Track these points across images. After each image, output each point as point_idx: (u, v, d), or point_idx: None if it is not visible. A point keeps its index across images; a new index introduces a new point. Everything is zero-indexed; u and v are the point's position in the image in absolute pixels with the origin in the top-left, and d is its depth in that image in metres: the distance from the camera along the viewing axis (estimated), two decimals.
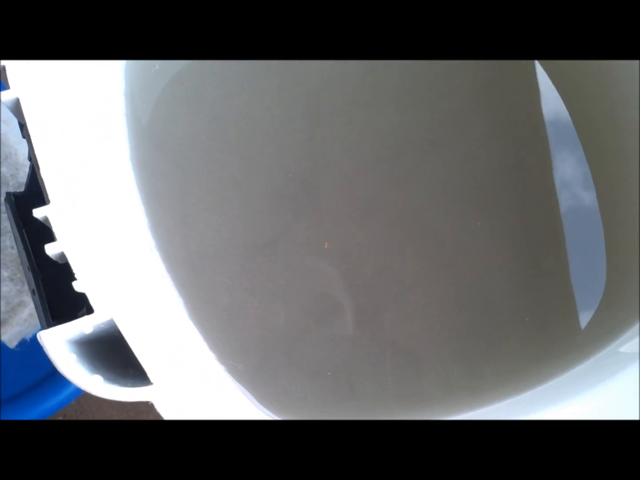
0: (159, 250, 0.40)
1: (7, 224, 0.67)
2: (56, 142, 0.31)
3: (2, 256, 0.66)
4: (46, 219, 0.27)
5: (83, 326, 0.26)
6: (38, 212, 0.27)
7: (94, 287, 0.26)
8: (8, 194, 0.44)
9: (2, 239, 0.67)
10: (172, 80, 0.41)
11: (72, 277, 0.27)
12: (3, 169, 0.68)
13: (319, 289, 0.41)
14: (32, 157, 0.31)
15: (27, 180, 0.46)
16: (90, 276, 0.27)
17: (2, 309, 0.66)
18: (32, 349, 0.68)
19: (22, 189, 0.46)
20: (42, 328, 0.43)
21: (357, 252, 0.41)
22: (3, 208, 0.43)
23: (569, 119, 0.46)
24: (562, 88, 0.46)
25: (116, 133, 0.39)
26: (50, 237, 0.28)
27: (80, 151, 0.34)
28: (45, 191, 0.27)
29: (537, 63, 0.46)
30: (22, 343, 0.68)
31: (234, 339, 0.39)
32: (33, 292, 0.44)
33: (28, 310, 0.67)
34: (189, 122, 0.40)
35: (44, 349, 0.26)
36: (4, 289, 0.66)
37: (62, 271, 0.29)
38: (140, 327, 0.29)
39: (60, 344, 0.26)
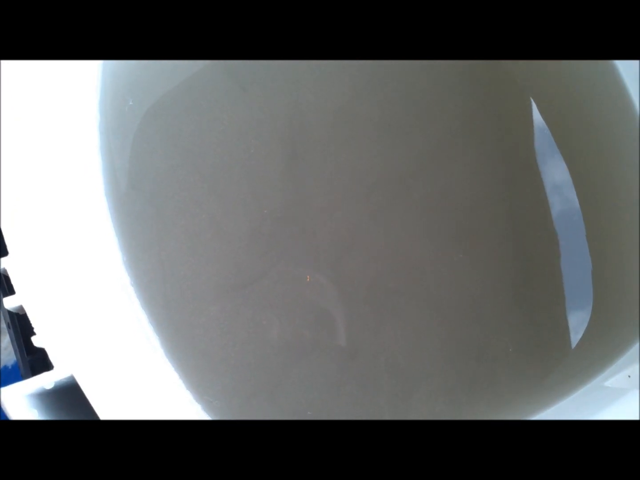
0: (135, 287, 0.40)
1: None
2: (21, 183, 0.30)
3: None
4: (5, 270, 0.26)
5: (43, 382, 0.26)
6: None
7: (54, 342, 0.25)
8: None
9: None
10: (147, 114, 0.40)
11: (31, 331, 0.26)
12: None
13: (300, 327, 0.40)
14: None
15: None
16: (51, 331, 0.26)
17: None
18: (13, 377, 0.67)
19: None
20: (17, 363, 0.42)
21: (337, 289, 0.40)
22: None
23: (556, 147, 0.45)
24: (551, 124, 0.45)
25: (90, 169, 0.38)
26: None
27: (49, 191, 0.33)
28: (5, 241, 0.27)
29: (530, 99, 0.46)
30: (3, 370, 0.67)
31: (214, 380, 0.39)
32: (8, 327, 0.44)
33: (8, 338, 0.66)
34: (164, 158, 0.39)
35: (3, 407, 0.25)
36: None
37: None
38: (105, 380, 0.28)
39: (20, 401, 0.26)
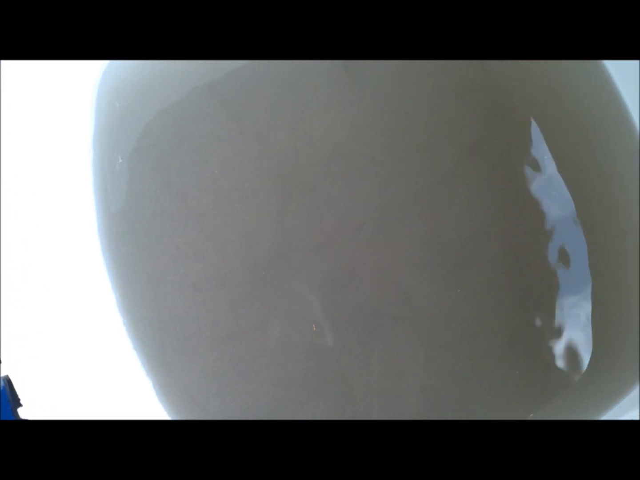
0: (127, 325, 0.39)
1: None
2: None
3: None
4: None
5: None
6: None
7: (41, 415, 0.25)
8: None
9: None
10: (139, 151, 0.39)
11: (18, 403, 0.25)
12: None
13: (300, 375, 0.40)
14: None
15: None
16: (37, 405, 0.25)
17: None
18: None
19: None
20: None
21: (334, 329, 0.40)
22: None
23: (560, 178, 0.44)
24: (552, 150, 0.44)
25: (84, 212, 0.38)
26: None
27: (45, 232, 0.32)
28: None
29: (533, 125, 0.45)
30: None
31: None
32: None
33: None
34: (157, 200, 0.39)
35: None
36: None
37: None
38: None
39: None
